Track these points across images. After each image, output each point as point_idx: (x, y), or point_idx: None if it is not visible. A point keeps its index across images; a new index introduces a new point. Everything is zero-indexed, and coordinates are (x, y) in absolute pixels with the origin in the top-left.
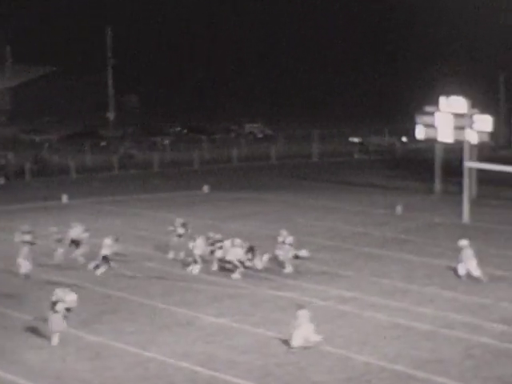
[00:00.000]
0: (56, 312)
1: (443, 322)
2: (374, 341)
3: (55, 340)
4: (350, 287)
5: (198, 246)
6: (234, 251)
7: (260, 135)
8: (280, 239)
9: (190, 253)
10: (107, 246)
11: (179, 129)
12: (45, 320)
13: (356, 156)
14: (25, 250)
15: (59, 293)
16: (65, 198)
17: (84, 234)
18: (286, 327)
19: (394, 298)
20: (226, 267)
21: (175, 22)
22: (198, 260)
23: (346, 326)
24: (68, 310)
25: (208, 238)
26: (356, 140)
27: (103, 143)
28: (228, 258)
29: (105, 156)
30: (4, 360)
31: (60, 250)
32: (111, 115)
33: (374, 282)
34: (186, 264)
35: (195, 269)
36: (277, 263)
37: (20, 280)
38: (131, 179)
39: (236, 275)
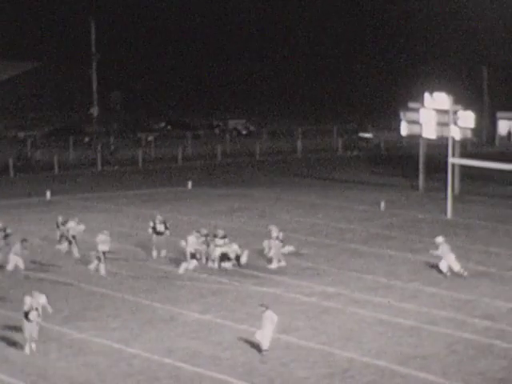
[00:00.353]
0: (30, 321)
1: (426, 317)
2: (358, 336)
3: (28, 348)
4: (334, 283)
5: (190, 244)
6: (231, 247)
7: (244, 131)
8: (274, 234)
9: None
10: (104, 242)
11: (163, 125)
12: (19, 328)
13: (340, 152)
14: (17, 246)
15: (30, 301)
16: (48, 195)
17: (79, 226)
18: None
19: (377, 293)
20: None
21: (159, 18)
22: (188, 258)
23: (329, 321)
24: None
25: (198, 232)
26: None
27: (87, 139)
28: (225, 251)
29: (88, 152)
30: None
31: (63, 246)
32: (95, 111)
33: (358, 277)
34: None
35: (182, 268)
36: (265, 259)
37: (4, 276)
38: (115, 175)
39: (229, 264)
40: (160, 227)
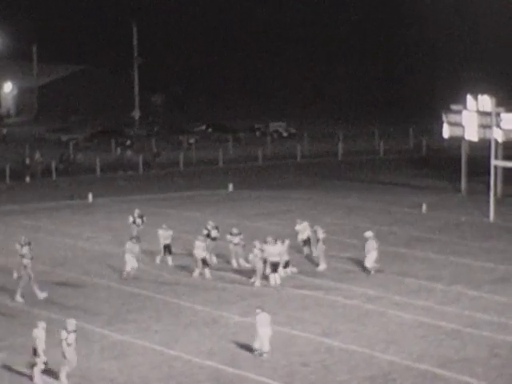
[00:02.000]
0: (70, 345)
1: (468, 321)
2: (399, 340)
3: (64, 376)
4: (375, 286)
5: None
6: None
7: (285, 134)
8: (321, 236)
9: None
10: (199, 247)
11: (204, 127)
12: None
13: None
14: (129, 244)
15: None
16: (90, 197)
17: (168, 232)
18: (312, 326)
19: (418, 296)
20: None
21: (199, 22)
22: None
23: (370, 324)
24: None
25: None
26: None
27: (128, 142)
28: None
29: (130, 155)
30: (28, 358)
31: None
32: (136, 114)
33: (399, 280)
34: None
35: (277, 279)
36: (312, 262)
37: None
38: (156, 178)
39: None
40: (214, 232)
